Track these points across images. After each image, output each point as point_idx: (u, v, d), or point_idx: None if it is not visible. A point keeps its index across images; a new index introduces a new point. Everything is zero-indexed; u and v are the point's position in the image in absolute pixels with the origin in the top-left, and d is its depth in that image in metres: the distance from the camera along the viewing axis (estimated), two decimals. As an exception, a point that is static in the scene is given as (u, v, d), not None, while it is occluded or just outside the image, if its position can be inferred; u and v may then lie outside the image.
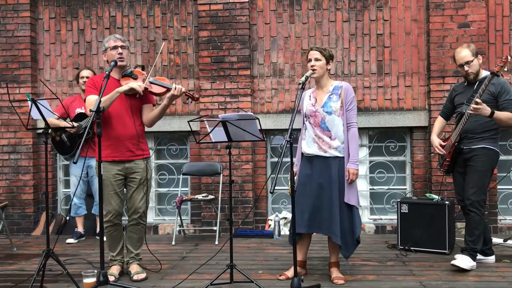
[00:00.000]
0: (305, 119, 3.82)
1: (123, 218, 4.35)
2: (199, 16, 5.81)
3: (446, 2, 5.48)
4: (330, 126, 3.68)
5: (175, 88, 3.70)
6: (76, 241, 5.33)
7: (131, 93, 3.76)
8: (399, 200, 4.85)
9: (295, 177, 3.79)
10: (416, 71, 5.69)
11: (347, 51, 5.77)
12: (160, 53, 4.51)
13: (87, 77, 5.13)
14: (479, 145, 3.98)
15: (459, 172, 4.15)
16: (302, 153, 3.82)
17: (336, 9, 5.78)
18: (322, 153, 3.69)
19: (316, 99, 3.77)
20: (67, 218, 5.94)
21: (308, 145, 3.76)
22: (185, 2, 5.95)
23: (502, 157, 5.62)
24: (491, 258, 4.23)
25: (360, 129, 5.73)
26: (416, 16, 5.69)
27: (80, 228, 5.44)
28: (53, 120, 4.68)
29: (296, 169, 3.82)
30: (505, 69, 3.77)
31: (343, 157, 3.68)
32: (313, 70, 3.68)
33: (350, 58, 5.76)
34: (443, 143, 4.22)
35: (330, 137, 3.68)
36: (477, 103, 3.71)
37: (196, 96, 3.88)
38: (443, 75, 5.44)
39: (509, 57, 3.67)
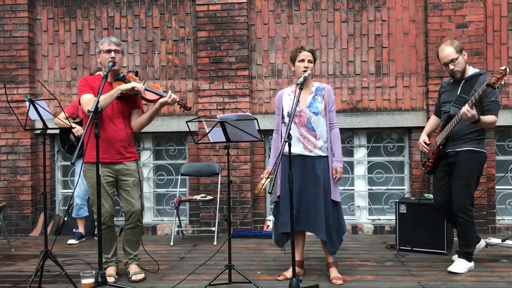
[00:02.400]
0: (286, 118, 3.82)
1: (120, 219, 4.36)
2: (197, 16, 5.81)
3: (444, 3, 5.49)
4: (315, 126, 3.75)
5: (170, 97, 3.78)
6: (77, 242, 5.31)
7: (130, 93, 3.77)
8: (397, 200, 4.85)
9: (267, 176, 3.81)
10: (414, 72, 5.70)
11: (345, 51, 5.77)
12: (152, 66, 4.58)
13: None
14: (464, 148, 3.88)
15: (440, 175, 4.07)
16: (283, 153, 3.80)
17: (335, 10, 5.78)
18: (307, 153, 3.75)
19: (298, 99, 3.77)
20: (65, 218, 5.94)
21: (292, 145, 3.75)
22: (183, 2, 5.95)
23: (500, 157, 5.64)
24: (481, 243, 4.20)
25: (358, 129, 5.78)
26: (414, 16, 5.69)
27: (81, 229, 5.43)
28: (58, 120, 4.70)
29: (269, 169, 3.83)
30: (502, 82, 3.59)
31: (327, 156, 3.76)
32: (305, 71, 3.73)
33: (348, 59, 5.77)
34: (428, 141, 4.16)
35: (315, 137, 3.75)
36: (468, 111, 3.59)
37: (189, 106, 4.01)
38: (441, 75, 5.44)
39: (507, 69, 3.50)
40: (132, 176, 3.87)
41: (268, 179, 3.79)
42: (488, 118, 3.75)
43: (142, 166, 4.12)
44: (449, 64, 3.91)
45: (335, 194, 3.75)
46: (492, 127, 3.86)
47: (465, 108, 3.62)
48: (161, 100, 3.78)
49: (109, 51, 3.79)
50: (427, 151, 4.14)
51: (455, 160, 3.92)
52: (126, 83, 3.83)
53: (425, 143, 4.16)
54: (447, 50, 3.90)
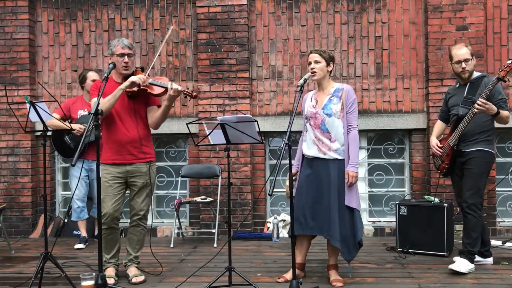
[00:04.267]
0: (305, 121, 3.82)
1: (124, 222, 4.35)
2: (197, 18, 5.82)
3: (444, 5, 5.49)
4: (330, 128, 3.69)
5: (172, 89, 3.69)
6: (84, 246, 5.25)
7: (132, 89, 3.73)
8: (397, 202, 4.84)
9: (295, 178, 3.80)
10: (414, 74, 5.70)
11: (345, 53, 5.77)
12: (166, 42, 4.44)
13: (93, 80, 5.15)
14: (475, 148, 3.98)
15: (458, 175, 4.16)
16: (303, 155, 3.82)
17: (335, 12, 5.79)
18: (321, 155, 3.70)
19: (317, 101, 3.78)
20: (65, 220, 5.93)
21: (308, 147, 3.77)
22: (184, 4, 5.96)
23: (500, 159, 5.64)
24: (489, 260, 4.23)
25: (358, 131, 5.75)
26: (414, 18, 5.70)
27: (83, 233, 5.35)
28: (54, 121, 4.68)
29: (294, 170, 3.82)
30: None
31: (343, 159, 3.67)
32: (313, 72, 3.70)
33: (349, 61, 5.77)
34: (440, 144, 4.22)
35: (330, 139, 3.69)
36: (484, 103, 3.71)
37: (195, 93, 3.84)
38: (442, 77, 5.45)
39: None
40: (142, 178, 3.85)
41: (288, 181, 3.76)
42: (504, 113, 3.87)
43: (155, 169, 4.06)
44: (463, 63, 4.01)
45: (349, 199, 3.61)
46: (507, 122, 3.97)
47: (480, 101, 3.73)
48: (167, 95, 3.72)
49: (122, 55, 3.78)
50: (440, 154, 4.18)
51: (467, 159, 4.01)
52: None
53: (437, 145, 4.21)
54: (464, 50, 4.04)
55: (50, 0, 6.10)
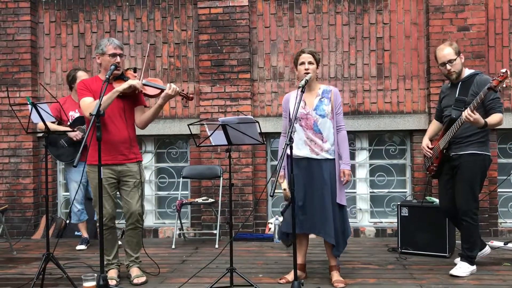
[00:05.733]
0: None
1: (120, 222, 4.36)
2: (199, 19, 5.82)
3: (445, 6, 5.49)
4: (322, 129, 3.74)
5: (170, 88, 3.71)
6: (86, 247, 5.26)
7: (129, 92, 3.75)
8: (399, 203, 4.85)
9: (283, 180, 3.79)
10: (416, 74, 5.70)
11: (347, 54, 5.77)
12: (147, 56, 4.45)
13: None
14: (467, 151, 3.88)
15: (445, 179, 4.08)
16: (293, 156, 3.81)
17: (336, 13, 5.79)
18: (314, 156, 3.74)
19: (305, 101, 3.79)
20: (67, 221, 5.93)
21: (298, 148, 3.77)
22: (185, 5, 5.97)
23: (502, 160, 5.63)
24: (486, 250, 4.21)
25: (360, 132, 5.77)
26: (415, 19, 5.70)
27: (85, 234, 5.35)
28: (50, 124, 4.67)
29: (282, 172, 3.82)
30: (504, 85, 3.55)
31: (334, 159, 3.75)
32: (307, 73, 3.72)
33: (350, 62, 5.77)
34: (430, 145, 4.17)
35: (322, 140, 3.74)
36: (470, 115, 3.58)
37: (191, 96, 3.89)
38: (443, 78, 5.41)
39: (508, 72, 3.48)
40: (134, 177, 3.87)
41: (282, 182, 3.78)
42: (493, 119, 3.73)
43: (144, 168, 4.08)
44: (447, 64, 3.94)
45: (340, 197, 3.74)
46: (500, 125, 3.84)
47: (467, 112, 3.61)
48: (163, 94, 3.74)
49: (114, 55, 3.79)
50: (430, 155, 4.14)
51: (459, 163, 3.93)
52: (125, 80, 3.82)
53: (428, 147, 4.17)
54: (447, 50, 3.94)
55: (52, 2, 6.12)
